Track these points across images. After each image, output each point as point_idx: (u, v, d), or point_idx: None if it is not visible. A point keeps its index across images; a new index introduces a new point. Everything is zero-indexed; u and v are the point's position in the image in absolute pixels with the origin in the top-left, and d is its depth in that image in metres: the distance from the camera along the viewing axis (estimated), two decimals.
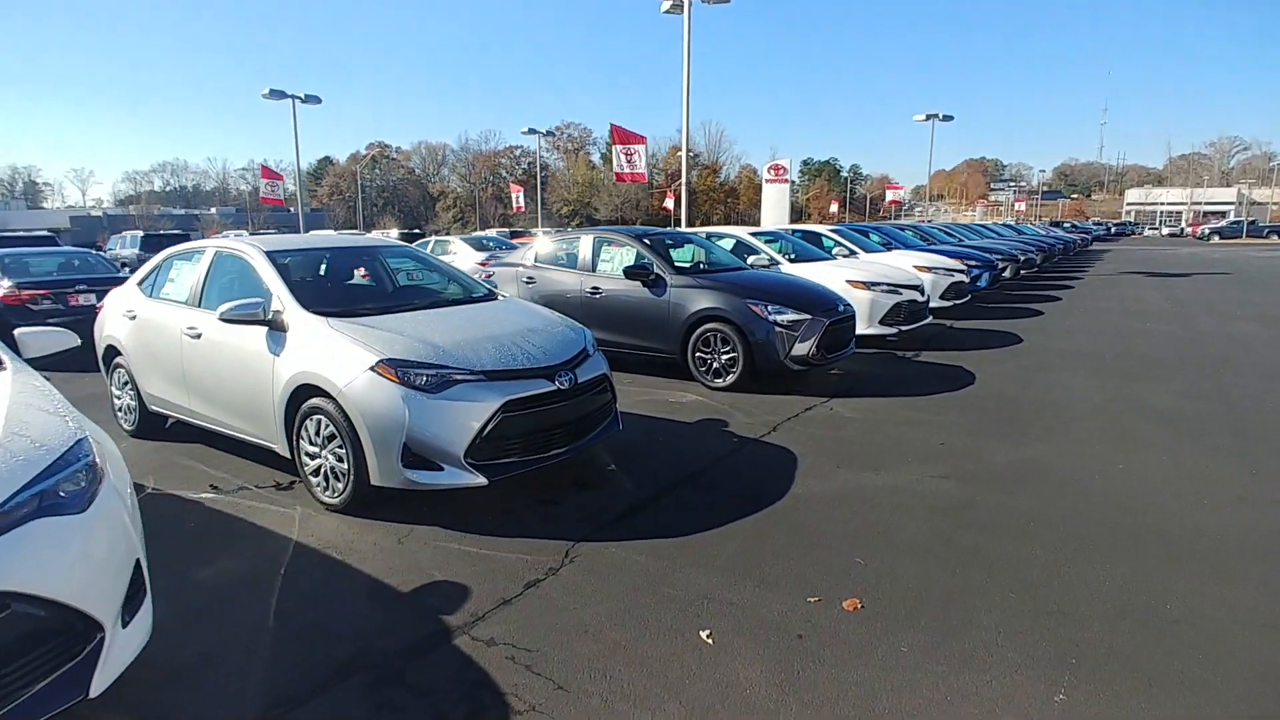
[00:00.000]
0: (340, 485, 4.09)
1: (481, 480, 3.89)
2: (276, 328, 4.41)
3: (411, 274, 6.04)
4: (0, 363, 3.00)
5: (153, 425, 5.67)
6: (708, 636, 2.87)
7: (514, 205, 41.21)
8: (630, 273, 7.38)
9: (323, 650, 2.83)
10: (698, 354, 7.12)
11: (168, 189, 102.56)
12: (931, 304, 10.69)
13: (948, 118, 36.34)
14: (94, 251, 13.18)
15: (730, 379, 6.92)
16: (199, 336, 4.86)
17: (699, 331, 7.07)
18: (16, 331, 3.39)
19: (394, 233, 28.76)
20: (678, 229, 12.30)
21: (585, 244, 8.15)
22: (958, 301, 11.89)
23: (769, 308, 6.80)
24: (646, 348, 7.49)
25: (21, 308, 9.46)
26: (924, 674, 2.61)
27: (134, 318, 5.59)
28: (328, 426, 4.07)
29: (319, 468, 4.20)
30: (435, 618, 3.03)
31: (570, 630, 2.92)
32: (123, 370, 5.76)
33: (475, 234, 29.91)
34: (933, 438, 5.43)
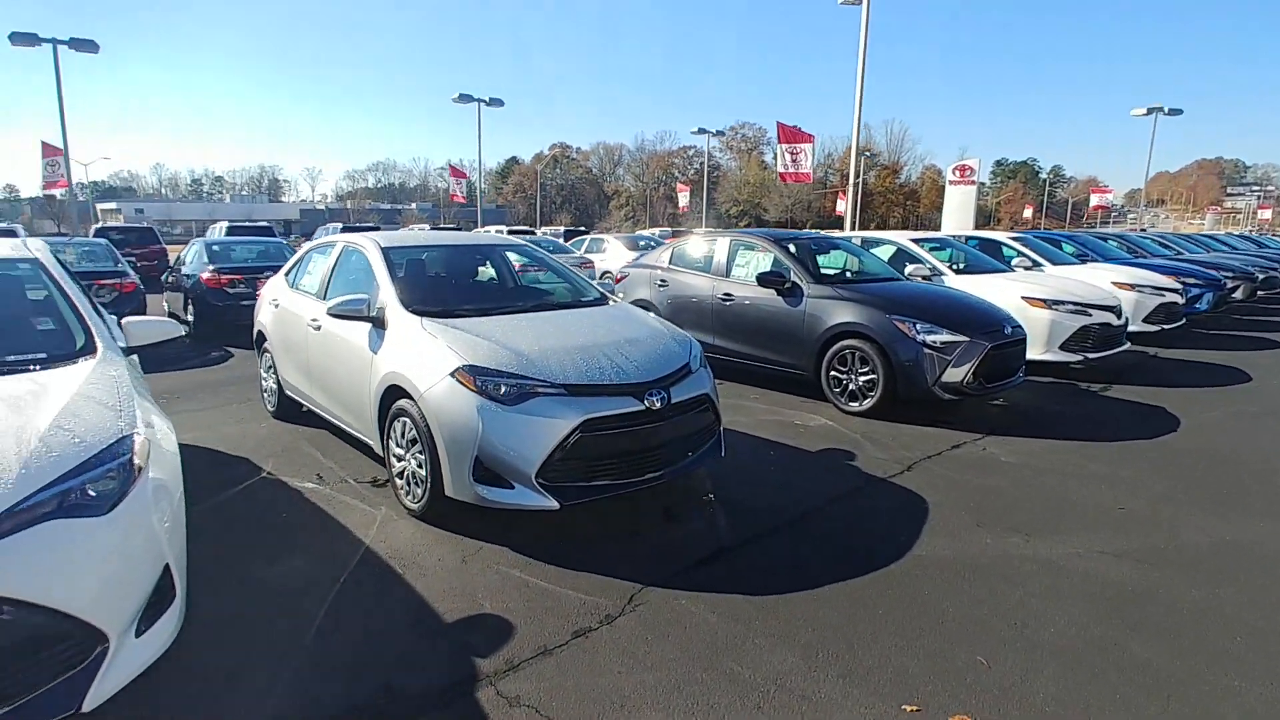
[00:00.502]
0: (419, 491, 3.96)
1: (553, 504, 3.57)
2: (379, 325, 4.39)
3: (525, 274, 5.88)
4: (93, 350, 3.10)
5: (289, 410, 5.96)
6: None
7: (679, 205, 41.32)
8: (764, 280, 6.80)
9: (343, 681, 2.63)
10: (833, 373, 6.41)
11: (379, 186, 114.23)
12: (1131, 328, 9.05)
13: (1174, 111, 31.46)
14: (285, 241, 14.62)
15: (867, 403, 6.15)
16: (319, 328, 4.99)
17: (836, 348, 6.36)
18: (124, 320, 3.54)
19: (502, 229, 29.70)
20: (827, 233, 11.43)
21: (721, 247, 7.66)
22: (1168, 326, 10.01)
23: (918, 325, 5.95)
24: (777, 362, 6.88)
25: (219, 290, 10.59)
26: None
27: (277, 306, 5.91)
28: (411, 430, 3.95)
29: (403, 470, 4.11)
30: (468, 659, 2.74)
31: (605, 701, 2.50)
32: (267, 355, 6.12)
33: (634, 233, 30.22)
34: (1110, 498, 4.41)
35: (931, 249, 9.27)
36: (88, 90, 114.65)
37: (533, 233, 28.11)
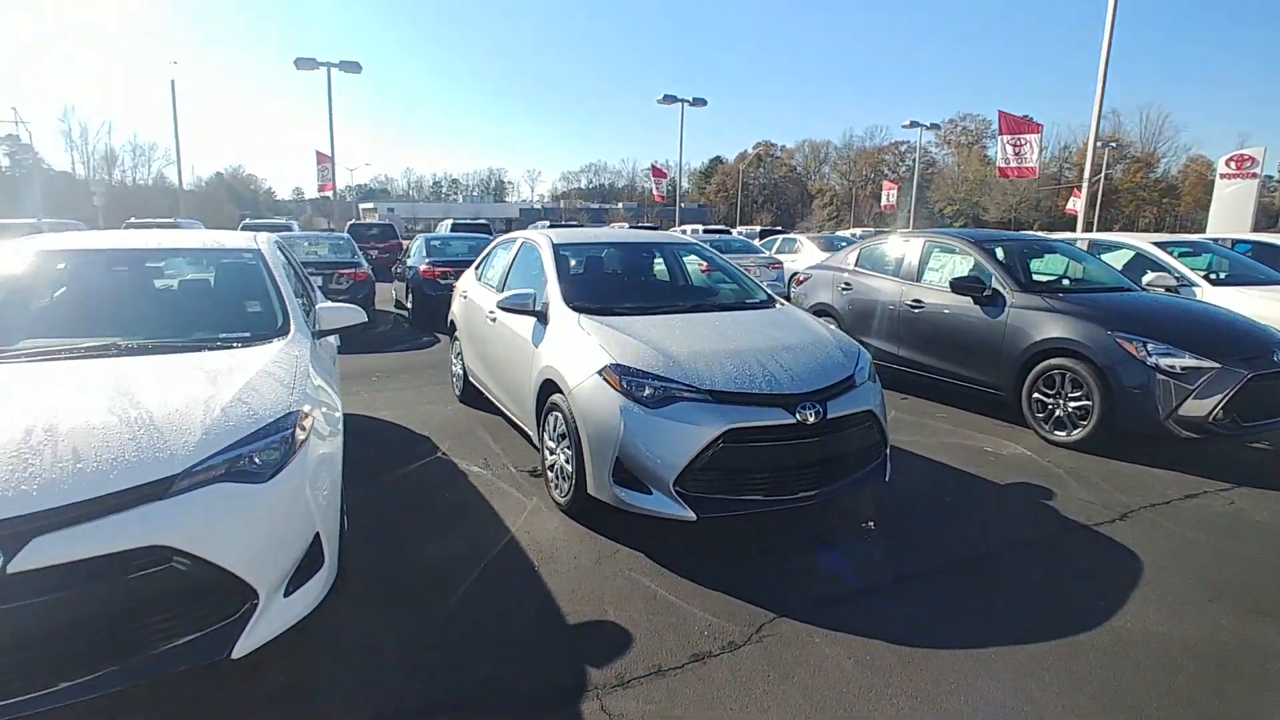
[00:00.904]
0: (565, 486, 4.01)
1: (689, 515, 3.43)
2: (542, 319, 4.51)
3: (696, 273, 5.76)
4: (286, 332, 3.46)
5: (471, 395, 6.38)
6: None
7: (882, 203, 39.11)
8: (958, 286, 6.10)
9: (460, 665, 2.69)
10: (1036, 395, 5.59)
11: (590, 186, 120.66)
12: None
13: None
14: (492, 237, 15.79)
15: (1077, 434, 5.29)
16: (494, 320, 5.25)
17: (1041, 367, 5.54)
18: (319, 305, 3.94)
19: (697, 228, 29.41)
20: (1049, 236, 10.10)
21: (914, 248, 7.01)
22: None
23: (1149, 346, 5.00)
24: (971, 379, 6.15)
25: (434, 280, 11.68)
26: None
27: (465, 298, 6.34)
28: (561, 424, 4.00)
29: (554, 464, 4.19)
30: (580, 667, 2.69)
31: None
32: (457, 343, 6.60)
33: (832, 233, 29.03)
34: None
35: (1181, 255, 7.82)
36: (354, 104, 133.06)
37: (728, 232, 28.09)
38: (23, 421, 2.38)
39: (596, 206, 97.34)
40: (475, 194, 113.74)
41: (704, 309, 4.67)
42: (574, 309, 4.35)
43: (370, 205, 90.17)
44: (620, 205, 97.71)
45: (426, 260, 11.95)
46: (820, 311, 7.88)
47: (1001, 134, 19.27)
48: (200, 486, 2.36)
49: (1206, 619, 3.06)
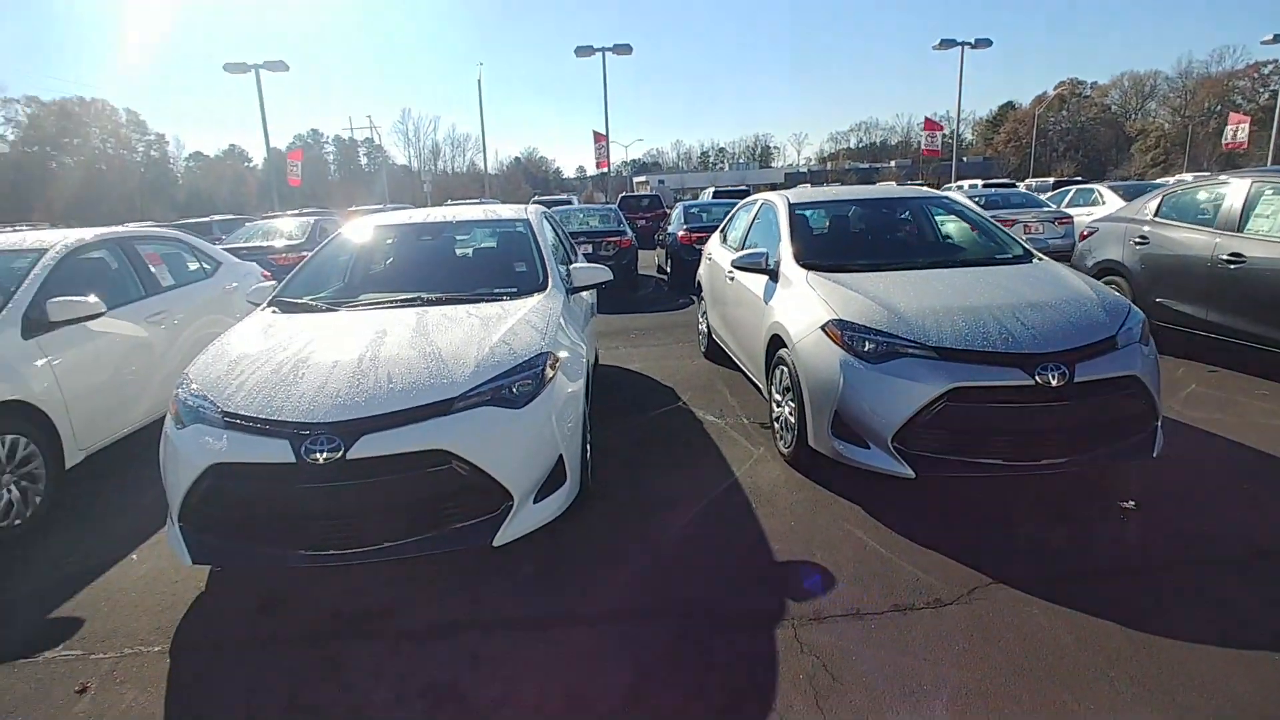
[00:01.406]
0: (789, 438, 4.15)
1: (907, 471, 3.38)
2: (773, 277, 4.65)
3: (943, 228, 5.40)
4: (544, 288, 4.05)
5: (714, 352, 6.73)
6: None
7: (1224, 141, 31.81)
8: None
9: (676, 584, 3.03)
10: None
11: (860, 146, 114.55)
12: None
13: None
14: None
15: None
16: (732, 279, 5.49)
17: None
18: (573, 266, 4.50)
19: (976, 183, 25.80)
20: None
21: (1235, 190, 5.78)
22: None
23: None
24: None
25: (689, 246, 12.24)
26: None
27: (709, 259, 6.67)
28: (786, 378, 4.13)
29: (779, 415, 4.34)
30: (781, 600, 2.87)
31: (895, 682, 2.36)
32: (702, 302, 6.98)
33: (1143, 181, 24.40)
34: None
35: None
36: (627, 85, 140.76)
37: (1013, 185, 25.05)
38: (358, 352, 3.17)
39: (866, 166, 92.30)
40: (741, 161, 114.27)
41: (947, 265, 4.42)
42: (804, 266, 4.41)
43: (643, 178, 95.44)
44: (892, 164, 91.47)
45: (684, 227, 12.55)
46: (1106, 270, 6.89)
47: None
48: (472, 407, 2.95)
49: None
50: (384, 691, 2.44)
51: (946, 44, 28.73)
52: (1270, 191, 5.57)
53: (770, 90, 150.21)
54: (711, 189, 26.72)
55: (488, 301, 3.85)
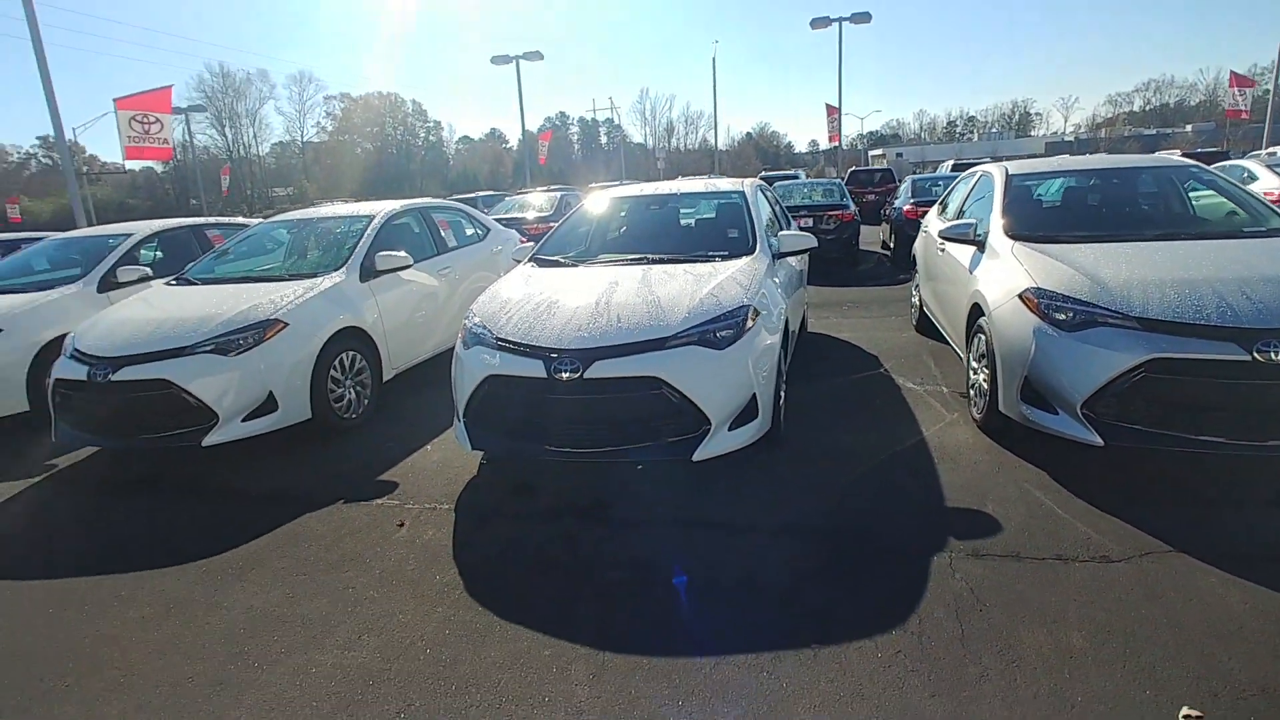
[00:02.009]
0: (981, 403, 4.27)
1: (1095, 439, 3.42)
2: (981, 248, 4.71)
3: (1186, 198, 4.96)
4: (752, 252, 4.54)
5: (925, 324, 6.76)
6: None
7: None
8: None
9: (842, 514, 3.43)
10: None
11: (1147, 108, 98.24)
12: None
13: None
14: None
15: None
16: (942, 250, 5.56)
17: None
18: (781, 233, 4.92)
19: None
20: None
21: None
22: None
23: None
24: None
25: (915, 220, 11.90)
26: None
27: (924, 231, 6.69)
28: (983, 345, 4.25)
29: (975, 382, 4.45)
30: (944, 536, 3.14)
31: (1040, 617, 2.58)
32: (916, 275, 7.01)
33: None
34: None
35: None
36: (865, 55, 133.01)
37: None
38: (595, 298, 3.93)
39: (1153, 132, 78.98)
40: (994, 130, 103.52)
41: (1178, 237, 4.17)
42: (1011, 237, 4.44)
43: (879, 151, 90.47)
44: (1188, 128, 77.23)
45: (910, 201, 12.21)
46: None
47: None
48: (682, 346, 3.58)
49: None
50: (604, 560, 3.17)
51: None
52: None
53: (1031, 48, 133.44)
54: (950, 162, 24.99)
55: (702, 262, 4.45)
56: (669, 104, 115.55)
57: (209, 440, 4.35)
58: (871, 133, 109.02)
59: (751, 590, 2.86)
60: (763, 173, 27.02)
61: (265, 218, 8.41)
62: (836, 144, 30.69)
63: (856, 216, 12.88)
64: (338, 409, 4.97)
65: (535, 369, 3.58)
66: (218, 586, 3.16)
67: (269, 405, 4.55)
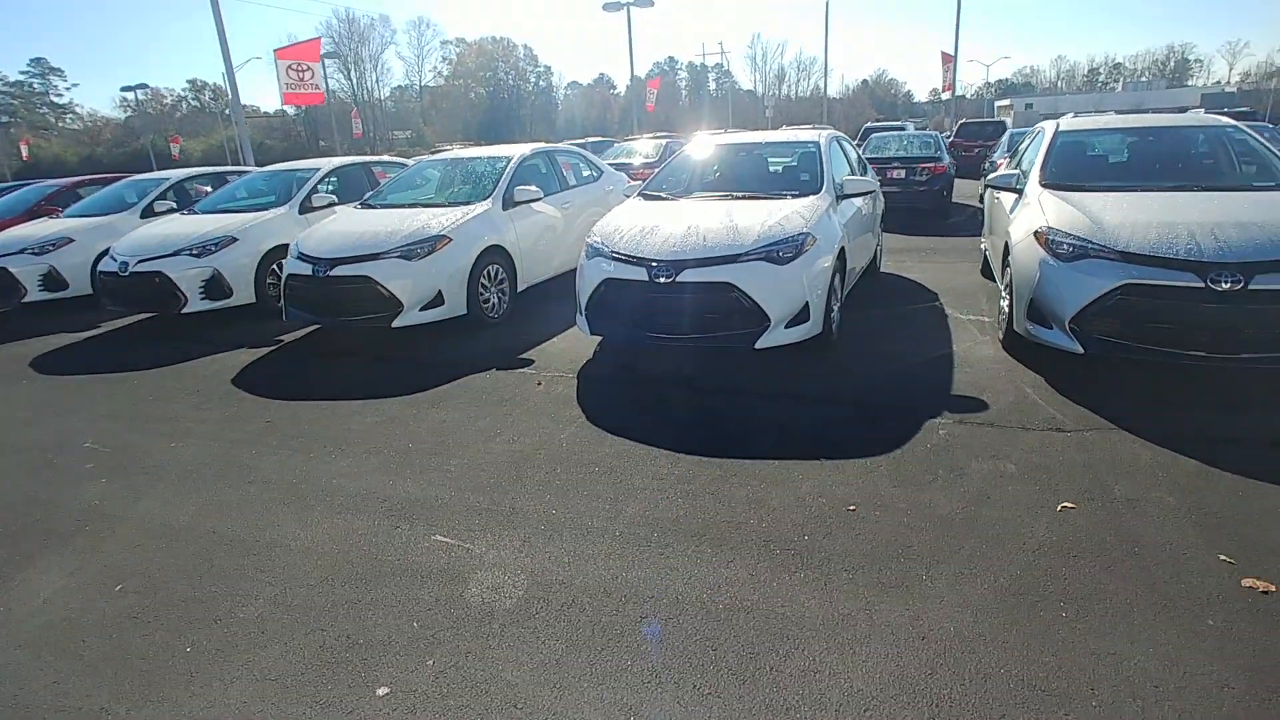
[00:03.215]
0: (1002, 324, 5.17)
1: (1077, 348, 4.31)
2: (1021, 195, 5.51)
3: (1212, 153, 5.51)
4: (817, 191, 5.54)
5: (986, 267, 7.50)
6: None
7: None
8: None
9: (873, 392, 4.51)
10: None
11: None
12: None
13: None
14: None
15: None
16: (997, 199, 6.32)
17: None
18: (844, 178, 5.88)
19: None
20: None
21: None
22: None
23: None
24: None
25: None
26: None
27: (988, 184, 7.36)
28: (1009, 276, 5.12)
29: (1001, 308, 5.33)
30: (939, 408, 4.17)
31: (998, 453, 3.62)
32: (985, 223, 7.71)
33: None
34: None
35: None
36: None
37: None
38: (688, 223, 5.08)
39: None
40: (1143, 80, 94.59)
41: (1190, 189, 4.86)
42: (1043, 185, 5.23)
43: (1005, 102, 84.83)
44: None
45: (1005, 154, 12.48)
46: None
47: None
48: (751, 260, 4.70)
49: None
50: (685, 408, 4.42)
51: None
52: None
53: None
54: (1072, 114, 24.01)
55: (776, 198, 5.50)
56: (781, 50, 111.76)
57: (397, 323, 5.87)
58: (1001, 80, 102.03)
59: (790, 432, 4.02)
60: (868, 124, 26.80)
61: (421, 159, 9.95)
62: (950, 93, 29.83)
63: (950, 169, 13.24)
64: (485, 309, 6.40)
65: (640, 274, 4.81)
66: (419, 410, 4.63)
67: (438, 300, 6.01)
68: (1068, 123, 5.96)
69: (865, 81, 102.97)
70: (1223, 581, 2.54)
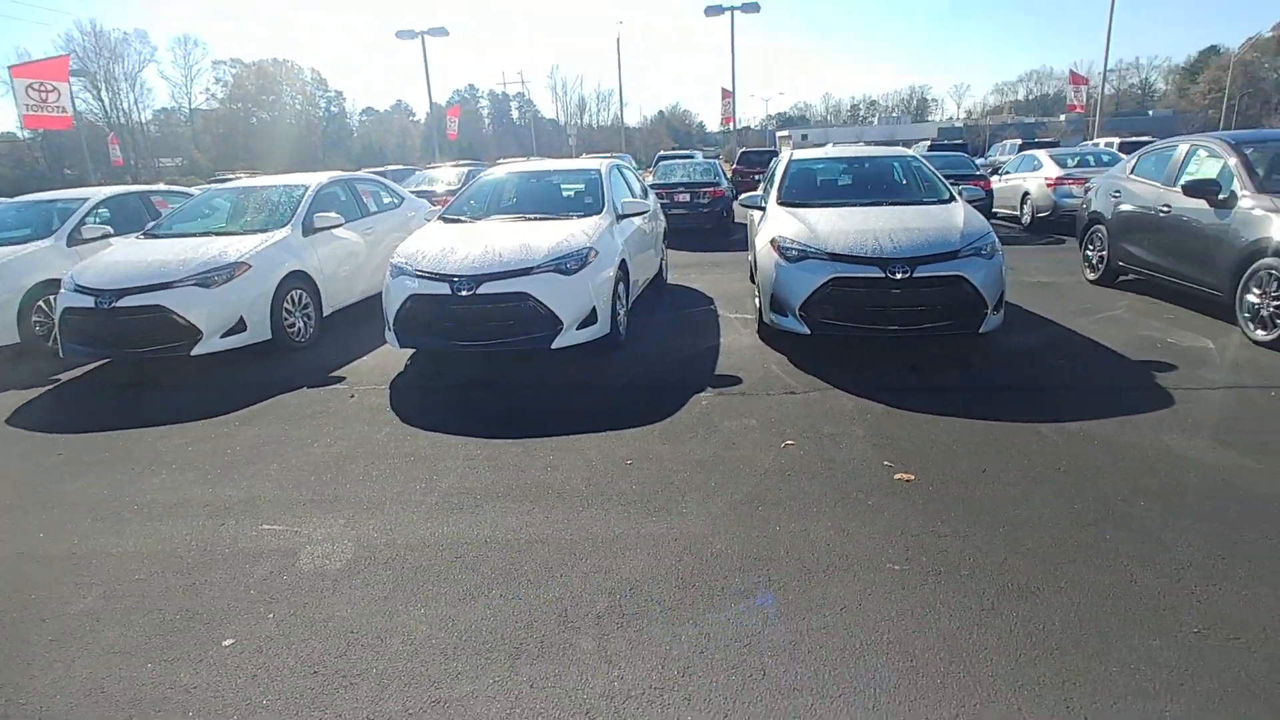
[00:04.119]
0: (755, 318, 6.26)
1: (805, 330, 5.44)
2: (763, 211, 6.68)
3: (896, 175, 7.14)
4: (599, 212, 6.36)
5: (752, 276, 8.78)
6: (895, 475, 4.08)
7: None
8: (1189, 189, 6.31)
9: (654, 371, 5.33)
10: (1248, 296, 5.76)
11: (1030, 98, 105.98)
12: None
13: None
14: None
15: (1273, 334, 5.48)
16: (750, 215, 7.52)
17: (1256, 268, 5.69)
18: (620, 200, 6.78)
19: (1113, 140, 24.52)
20: None
21: (1178, 152, 7.04)
22: None
23: None
24: (1195, 280, 6.38)
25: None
26: None
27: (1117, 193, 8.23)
28: (758, 277, 6.22)
29: (756, 303, 6.44)
30: (704, 385, 5.08)
31: (743, 412, 4.55)
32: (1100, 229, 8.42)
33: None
34: None
35: None
36: (769, 37, 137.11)
37: (964, 146, 24.10)
38: (486, 243, 5.66)
39: (1032, 121, 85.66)
40: (894, 115, 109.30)
41: (880, 204, 6.28)
42: (779, 204, 6.45)
43: (785, 133, 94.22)
44: (1062, 118, 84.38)
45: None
46: (1093, 220, 8.23)
47: None
48: (543, 272, 5.36)
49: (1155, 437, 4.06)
50: (494, 408, 4.95)
51: None
52: (1200, 152, 6.83)
53: (931, 37, 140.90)
54: (831, 145, 27.62)
55: (563, 219, 6.24)
56: (580, 81, 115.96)
57: (197, 351, 5.83)
58: (780, 114, 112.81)
59: (582, 414, 4.70)
60: (662, 152, 28.92)
61: (207, 187, 9.59)
62: (730, 126, 32.98)
63: (728, 193, 14.94)
64: (290, 333, 6.50)
65: (444, 289, 5.30)
66: (231, 429, 4.75)
67: (240, 326, 6.04)
68: (799, 153, 7.32)
69: (661, 112, 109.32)
70: (883, 478, 3.57)
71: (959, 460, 3.74)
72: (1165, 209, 6.85)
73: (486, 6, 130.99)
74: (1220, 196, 6.11)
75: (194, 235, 6.85)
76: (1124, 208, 7.62)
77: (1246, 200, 5.89)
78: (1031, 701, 2.10)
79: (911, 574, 2.76)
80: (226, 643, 2.54)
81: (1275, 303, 5.47)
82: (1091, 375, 5.08)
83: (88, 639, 2.61)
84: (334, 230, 7.27)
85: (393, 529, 3.30)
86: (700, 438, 4.19)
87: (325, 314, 7.09)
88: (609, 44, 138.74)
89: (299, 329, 6.63)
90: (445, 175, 15.77)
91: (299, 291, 6.65)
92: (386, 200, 8.98)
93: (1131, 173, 7.79)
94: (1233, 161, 6.27)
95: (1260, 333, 5.61)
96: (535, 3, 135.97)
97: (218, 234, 6.85)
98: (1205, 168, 6.66)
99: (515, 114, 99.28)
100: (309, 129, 78.94)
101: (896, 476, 3.58)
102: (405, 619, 2.62)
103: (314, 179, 7.76)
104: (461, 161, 21.30)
